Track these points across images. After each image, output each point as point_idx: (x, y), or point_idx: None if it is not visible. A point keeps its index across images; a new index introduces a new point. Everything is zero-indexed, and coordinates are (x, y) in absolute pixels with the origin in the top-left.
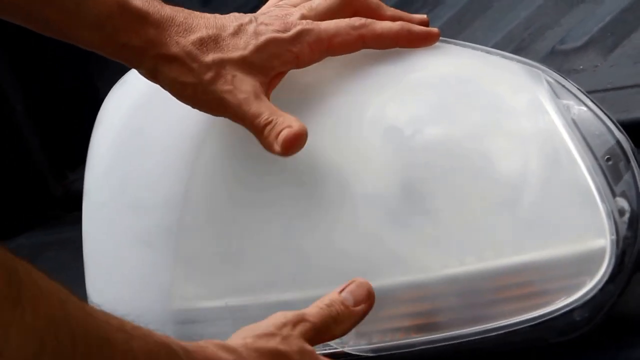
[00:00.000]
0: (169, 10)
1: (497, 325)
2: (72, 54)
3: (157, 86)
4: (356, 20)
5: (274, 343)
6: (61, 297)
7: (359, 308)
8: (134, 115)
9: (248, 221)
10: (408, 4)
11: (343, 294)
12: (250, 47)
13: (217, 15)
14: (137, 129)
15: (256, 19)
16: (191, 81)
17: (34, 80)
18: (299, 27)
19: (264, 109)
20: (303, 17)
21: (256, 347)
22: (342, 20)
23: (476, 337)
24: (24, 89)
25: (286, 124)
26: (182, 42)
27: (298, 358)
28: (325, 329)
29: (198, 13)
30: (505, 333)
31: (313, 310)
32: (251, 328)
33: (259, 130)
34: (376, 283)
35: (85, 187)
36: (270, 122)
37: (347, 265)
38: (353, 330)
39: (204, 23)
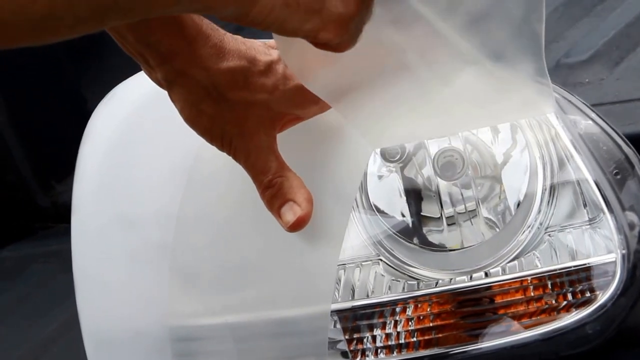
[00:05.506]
0: (206, 27)
1: (509, 340)
2: (59, 63)
3: (147, 100)
4: None
5: None
6: None
7: None
8: (124, 129)
9: (248, 237)
10: None
11: None
12: (278, 93)
13: (247, 43)
14: (127, 144)
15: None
16: (209, 112)
17: (18, 88)
18: None
19: (272, 164)
20: None
21: None
22: None
23: (488, 352)
24: (7, 98)
25: (290, 195)
26: (212, 69)
27: None
28: None
29: (231, 36)
30: (516, 347)
31: None
32: None
33: (261, 187)
34: (383, 299)
35: (73, 202)
36: (274, 184)
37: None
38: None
39: (237, 51)
